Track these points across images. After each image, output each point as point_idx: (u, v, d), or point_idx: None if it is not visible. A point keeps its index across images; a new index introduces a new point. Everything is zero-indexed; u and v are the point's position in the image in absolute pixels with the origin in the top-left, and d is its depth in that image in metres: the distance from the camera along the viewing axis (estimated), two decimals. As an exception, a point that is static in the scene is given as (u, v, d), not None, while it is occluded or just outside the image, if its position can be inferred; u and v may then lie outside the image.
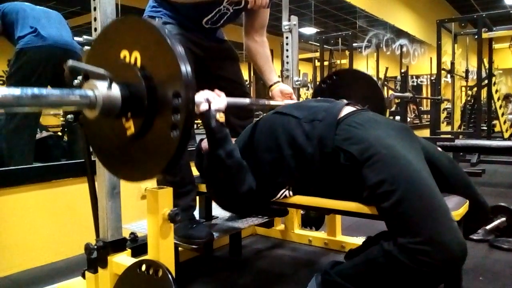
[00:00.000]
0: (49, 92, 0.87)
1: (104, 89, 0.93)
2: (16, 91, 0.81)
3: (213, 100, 1.29)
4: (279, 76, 2.04)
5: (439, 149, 1.45)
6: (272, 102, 1.79)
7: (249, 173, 1.35)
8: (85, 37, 4.75)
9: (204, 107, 1.27)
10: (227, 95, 1.36)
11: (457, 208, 1.20)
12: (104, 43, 1.10)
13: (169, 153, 0.91)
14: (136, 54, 0.97)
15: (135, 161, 1.01)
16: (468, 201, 1.30)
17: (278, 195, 1.37)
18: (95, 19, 1.35)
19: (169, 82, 0.91)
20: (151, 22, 0.99)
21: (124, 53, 0.99)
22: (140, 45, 0.97)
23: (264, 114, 1.69)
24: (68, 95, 0.91)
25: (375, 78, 2.07)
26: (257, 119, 1.57)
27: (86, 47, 1.23)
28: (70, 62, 0.95)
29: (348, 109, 1.34)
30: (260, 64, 1.85)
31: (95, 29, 1.35)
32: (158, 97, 0.93)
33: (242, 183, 1.32)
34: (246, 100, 1.63)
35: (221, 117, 1.30)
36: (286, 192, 1.37)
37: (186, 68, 0.89)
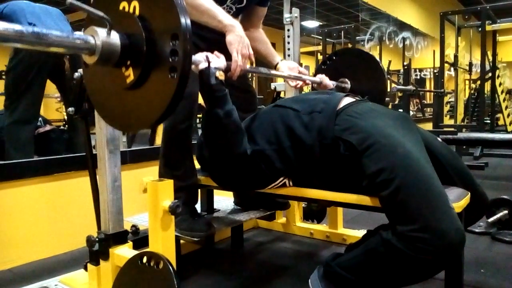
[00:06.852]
0: (50, 32, 0.86)
1: (104, 35, 0.93)
2: (17, 26, 0.80)
3: (212, 59, 1.28)
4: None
5: (439, 139, 1.45)
6: (273, 72, 1.75)
7: (246, 137, 1.33)
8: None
9: (203, 65, 1.26)
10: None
11: (459, 200, 1.20)
12: None
13: (169, 94, 0.91)
14: (134, 3, 0.97)
15: (134, 109, 1.00)
16: (469, 193, 1.29)
17: (277, 181, 1.37)
18: None
19: (166, 26, 0.92)
20: None
21: (123, 4, 0.99)
22: None
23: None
24: (69, 37, 0.90)
25: (376, 57, 2.05)
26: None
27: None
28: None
29: (347, 100, 1.34)
30: (260, 48, 1.83)
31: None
32: (156, 42, 0.93)
33: (238, 145, 1.31)
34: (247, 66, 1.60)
35: (220, 75, 1.30)
36: (286, 181, 1.37)
37: (183, 12, 0.89)
